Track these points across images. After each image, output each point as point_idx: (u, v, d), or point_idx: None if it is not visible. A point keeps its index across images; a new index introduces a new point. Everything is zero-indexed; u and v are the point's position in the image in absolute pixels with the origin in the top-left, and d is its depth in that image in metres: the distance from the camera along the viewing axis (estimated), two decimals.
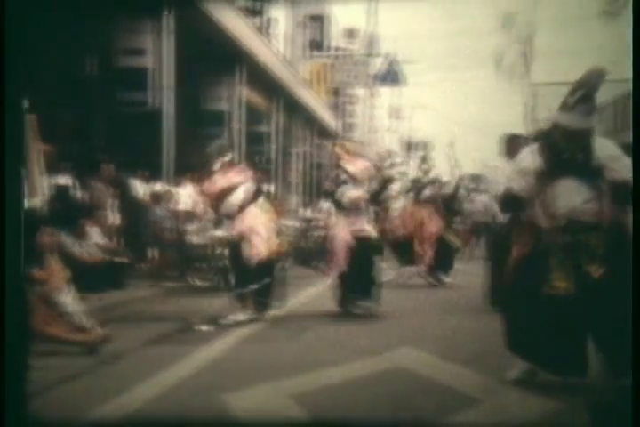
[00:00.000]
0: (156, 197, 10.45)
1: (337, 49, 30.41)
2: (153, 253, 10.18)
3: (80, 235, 8.76)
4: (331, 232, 7.59)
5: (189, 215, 10.59)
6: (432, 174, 11.44)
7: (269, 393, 4.37)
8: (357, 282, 7.36)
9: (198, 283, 9.93)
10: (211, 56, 13.92)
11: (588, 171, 4.40)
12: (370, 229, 7.64)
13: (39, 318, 5.22)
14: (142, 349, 5.82)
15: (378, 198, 8.40)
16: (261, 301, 7.14)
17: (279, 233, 9.03)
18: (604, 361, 4.36)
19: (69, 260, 7.52)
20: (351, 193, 7.48)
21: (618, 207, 4.36)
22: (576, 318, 4.33)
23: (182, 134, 12.97)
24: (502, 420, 3.98)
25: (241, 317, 7.14)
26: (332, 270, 7.48)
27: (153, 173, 11.05)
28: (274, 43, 20.16)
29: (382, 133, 44.46)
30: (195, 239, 10.18)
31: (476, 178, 11.70)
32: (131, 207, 10.22)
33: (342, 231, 7.40)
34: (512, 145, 7.74)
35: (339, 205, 7.51)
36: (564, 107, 4.45)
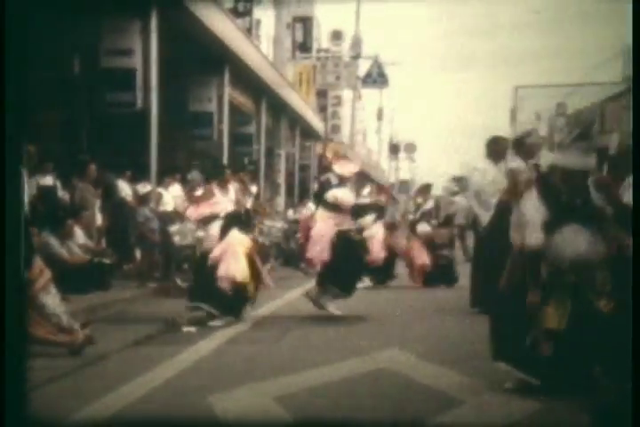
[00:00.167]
0: (142, 198, 10.43)
1: (323, 51, 30.45)
2: (138, 253, 10.15)
3: (65, 235, 8.73)
4: (314, 229, 7.45)
5: (174, 216, 10.58)
6: (428, 207, 11.59)
7: (254, 394, 4.38)
8: (340, 276, 7.36)
9: (183, 284, 9.92)
10: (197, 57, 13.89)
11: (588, 213, 4.44)
12: (354, 230, 7.67)
13: None
14: (127, 350, 5.81)
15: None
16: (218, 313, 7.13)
17: (261, 233, 9.09)
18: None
19: (54, 261, 7.50)
20: (340, 194, 7.52)
21: (620, 237, 4.39)
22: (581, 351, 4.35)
23: (169, 135, 12.95)
24: (486, 421, 4.01)
25: (217, 322, 7.12)
26: (316, 264, 7.46)
27: (139, 174, 11.02)
28: (260, 44, 20.16)
29: (368, 135, 44.56)
30: (179, 240, 10.18)
31: (458, 180, 11.80)
32: (116, 208, 10.19)
33: (328, 229, 7.39)
34: (496, 147, 7.80)
35: (327, 206, 7.51)
36: (562, 147, 4.45)
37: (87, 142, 11.73)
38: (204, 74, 14.75)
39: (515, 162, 7.45)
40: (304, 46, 25.78)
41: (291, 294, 9.28)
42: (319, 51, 29.34)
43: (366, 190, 9.80)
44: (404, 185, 48.03)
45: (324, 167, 8.02)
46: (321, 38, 30.45)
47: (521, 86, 40.14)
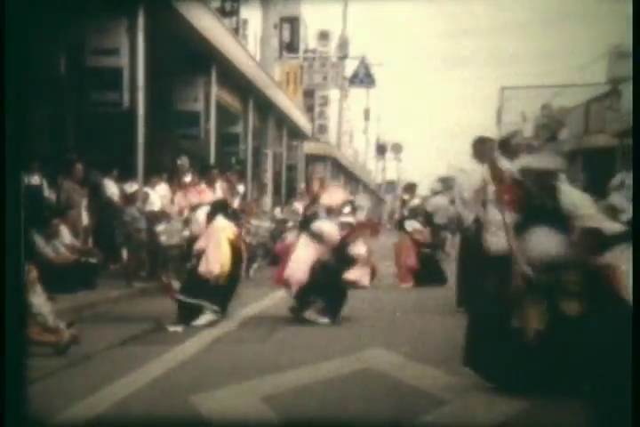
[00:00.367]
0: (129, 198, 10.41)
1: (310, 51, 30.47)
2: (124, 253, 10.13)
3: (51, 235, 8.70)
4: (294, 253, 7.43)
5: (161, 216, 10.55)
6: (414, 203, 11.63)
7: (240, 394, 4.39)
8: (323, 297, 7.33)
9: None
10: (184, 56, 13.87)
11: (558, 217, 4.49)
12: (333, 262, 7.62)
13: None
14: (112, 349, 5.80)
15: None
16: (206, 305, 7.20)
17: (248, 233, 9.10)
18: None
19: (40, 260, 7.48)
20: (327, 228, 7.54)
21: (587, 252, 4.44)
22: (554, 353, 4.38)
23: (155, 135, 12.92)
24: (472, 421, 4.03)
25: (201, 321, 7.14)
26: (293, 284, 7.34)
27: (125, 174, 10.99)
28: (247, 44, 20.14)
29: (355, 135, 44.61)
30: (165, 240, 10.15)
31: (444, 180, 11.87)
32: (103, 207, 10.16)
33: (309, 255, 7.39)
34: (482, 147, 7.84)
35: (311, 236, 7.49)
36: (531, 150, 4.53)
37: (74, 142, 11.68)
38: (191, 73, 14.72)
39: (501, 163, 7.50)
40: (291, 46, 25.79)
41: (277, 294, 9.28)
42: (306, 51, 29.35)
43: (347, 209, 9.83)
44: (390, 185, 48.17)
45: (312, 200, 7.95)
46: (308, 38, 30.47)
47: (507, 87, 40.33)
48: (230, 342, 6.19)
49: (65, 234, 9.00)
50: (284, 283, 7.43)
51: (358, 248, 8.41)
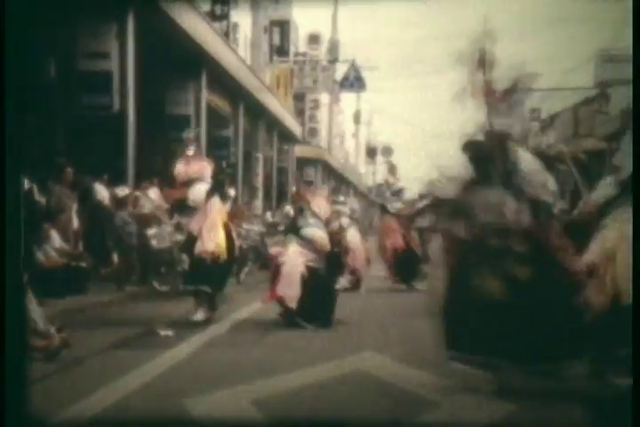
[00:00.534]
0: (120, 202, 10.40)
1: (300, 54, 30.50)
2: (115, 257, 10.12)
3: (41, 239, 8.68)
4: (284, 266, 7.39)
5: (152, 219, 10.55)
6: (397, 186, 11.66)
7: (231, 398, 4.40)
8: (315, 311, 7.25)
9: (161, 287, 9.92)
10: (175, 60, 13.89)
11: (513, 181, 4.55)
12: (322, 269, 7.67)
13: None
14: (103, 353, 5.80)
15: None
16: (210, 300, 7.42)
17: (239, 236, 9.12)
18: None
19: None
20: (319, 234, 7.58)
21: (536, 219, 4.53)
22: (510, 318, 4.45)
23: (146, 138, 12.91)
24: (460, 423, 4.06)
25: (199, 316, 7.31)
26: (288, 302, 7.26)
27: (116, 177, 10.99)
28: (238, 47, 20.16)
29: (345, 138, 44.66)
30: (156, 243, 10.16)
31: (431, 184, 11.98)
32: (93, 211, 10.14)
33: (298, 264, 7.36)
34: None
35: (302, 242, 7.50)
36: (493, 112, 4.58)
37: (64, 145, 11.66)
38: (182, 77, 14.73)
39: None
40: (281, 50, 25.80)
41: None
42: (296, 54, 29.38)
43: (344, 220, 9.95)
44: (380, 188, 48.17)
45: (299, 204, 7.95)
46: (298, 42, 30.50)
47: None
48: (221, 346, 6.20)
49: (55, 238, 8.98)
50: (279, 300, 7.33)
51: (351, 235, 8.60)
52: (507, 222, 4.49)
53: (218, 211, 7.51)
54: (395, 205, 11.41)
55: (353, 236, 10.90)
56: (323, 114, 34.58)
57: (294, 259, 7.38)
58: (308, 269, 7.37)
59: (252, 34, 24.18)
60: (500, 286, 4.44)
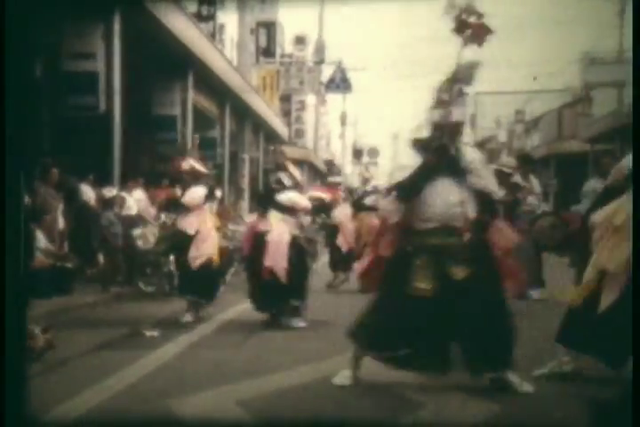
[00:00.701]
0: (106, 202, 10.38)
1: (286, 56, 30.52)
2: (101, 258, 10.10)
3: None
4: (270, 235, 7.18)
5: (138, 220, 10.54)
6: (373, 183, 11.58)
7: (216, 399, 4.41)
8: (296, 287, 7.20)
9: (146, 288, 9.91)
10: (161, 61, 13.87)
11: (459, 173, 4.59)
12: (303, 237, 7.68)
13: None
14: (88, 354, 5.80)
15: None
16: (198, 301, 7.54)
17: (225, 237, 9.15)
18: (465, 359, 4.52)
19: None
20: (296, 197, 7.40)
21: (479, 212, 4.58)
22: (439, 318, 4.48)
23: (132, 139, 12.89)
24: (445, 423, 4.08)
25: (188, 318, 7.41)
26: (278, 272, 7.08)
27: (102, 178, 10.97)
28: (224, 48, 20.16)
29: (331, 140, 44.70)
30: (142, 244, 10.15)
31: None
32: (79, 212, 10.12)
33: (284, 234, 7.21)
34: None
35: (281, 209, 7.29)
36: (441, 104, 4.61)
37: (49, 146, 11.63)
38: (168, 78, 14.72)
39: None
40: (268, 51, 25.81)
41: None
42: (283, 56, 29.39)
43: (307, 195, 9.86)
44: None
45: (279, 165, 7.82)
46: (284, 43, 30.51)
47: (481, 93, 40.66)
48: (207, 347, 6.20)
49: (40, 239, 8.95)
50: (268, 272, 7.09)
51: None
52: (452, 214, 4.52)
53: (211, 217, 7.67)
54: (372, 198, 11.19)
55: (342, 212, 10.82)
56: (309, 115, 34.61)
57: (277, 227, 7.18)
58: (293, 240, 7.22)
59: (239, 35, 24.19)
60: (434, 284, 4.44)
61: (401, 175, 4.60)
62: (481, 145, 8.49)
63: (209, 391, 4.54)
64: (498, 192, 4.67)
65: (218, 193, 8.64)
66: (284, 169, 7.66)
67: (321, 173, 36.84)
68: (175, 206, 7.92)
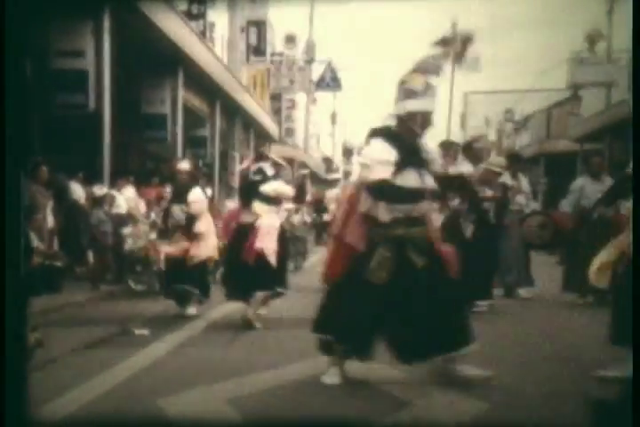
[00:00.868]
0: (96, 200, 10.36)
1: (277, 54, 30.50)
2: (91, 256, 10.09)
3: None
4: (261, 221, 7.10)
5: (127, 218, 10.53)
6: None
7: (206, 397, 4.41)
8: (279, 271, 7.16)
9: (136, 286, 9.91)
10: (151, 59, 13.85)
11: (422, 163, 4.63)
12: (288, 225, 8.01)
13: None
14: (78, 353, 5.79)
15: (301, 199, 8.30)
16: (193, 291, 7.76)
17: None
18: (394, 346, 4.61)
19: None
20: (277, 185, 7.25)
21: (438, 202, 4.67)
22: (387, 304, 4.52)
23: (122, 137, 12.87)
24: (433, 422, 4.10)
25: (192, 311, 7.75)
26: (266, 251, 7.00)
27: (91, 176, 10.95)
28: (215, 47, 20.12)
29: (322, 138, 44.71)
30: (131, 243, 10.14)
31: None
32: (69, 210, 10.10)
33: (274, 221, 7.16)
34: (447, 151, 8.00)
35: (264, 200, 7.17)
36: (412, 94, 4.60)
37: (39, 144, 11.60)
38: (158, 76, 14.70)
39: (464, 166, 7.67)
40: (258, 50, 25.78)
41: None
42: (273, 54, 29.37)
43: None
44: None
45: (259, 156, 7.63)
46: (275, 42, 30.49)
47: (471, 92, 40.76)
48: (197, 345, 6.21)
49: (31, 237, 8.93)
50: (258, 253, 6.97)
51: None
52: (416, 204, 4.55)
53: (209, 221, 8.04)
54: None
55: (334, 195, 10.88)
56: (299, 114, 34.61)
57: (267, 216, 7.14)
58: (280, 228, 7.22)
59: (229, 33, 24.15)
60: (395, 272, 4.46)
61: (381, 169, 4.56)
62: (470, 144, 8.49)
63: (199, 390, 4.54)
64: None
65: (209, 192, 8.65)
66: (265, 158, 7.48)
67: (311, 171, 36.79)
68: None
